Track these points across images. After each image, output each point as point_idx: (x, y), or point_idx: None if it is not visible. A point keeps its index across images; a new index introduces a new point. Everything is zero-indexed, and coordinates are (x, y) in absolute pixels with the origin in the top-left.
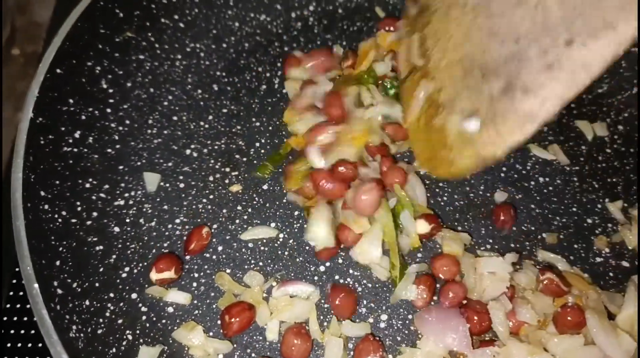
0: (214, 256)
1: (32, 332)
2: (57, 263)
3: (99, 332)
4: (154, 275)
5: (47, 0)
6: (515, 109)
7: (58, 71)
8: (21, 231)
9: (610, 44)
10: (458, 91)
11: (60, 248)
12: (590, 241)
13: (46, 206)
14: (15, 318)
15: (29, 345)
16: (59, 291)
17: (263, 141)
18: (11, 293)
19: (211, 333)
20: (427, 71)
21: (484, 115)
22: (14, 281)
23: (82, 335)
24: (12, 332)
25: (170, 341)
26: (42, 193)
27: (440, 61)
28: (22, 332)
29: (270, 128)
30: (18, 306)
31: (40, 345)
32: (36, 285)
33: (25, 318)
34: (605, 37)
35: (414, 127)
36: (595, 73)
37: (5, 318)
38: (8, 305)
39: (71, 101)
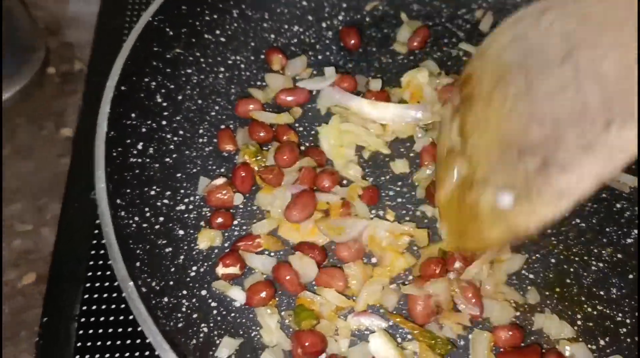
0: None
1: (110, 330)
2: (137, 264)
3: (180, 325)
4: (220, 270)
5: (77, 22)
6: (550, 186)
7: (122, 88)
8: (111, 237)
9: None
10: (493, 168)
11: (138, 251)
12: (620, 223)
13: (123, 213)
14: (92, 319)
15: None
16: (143, 289)
17: (307, 144)
18: (86, 296)
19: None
20: (465, 151)
21: (519, 191)
22: (88, 285)
23: (167, 328)
24: (90, 331)
25: (241, 332)
26: (119, 201)
27: (479, 143)
28: (100, 331)
29: None
30: (94, 307)
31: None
32: (131, 283)
33: (102, 319)
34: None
35: (446, 205)
36: (633, 153)
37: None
38: (84, 307)
39: (133, 115)
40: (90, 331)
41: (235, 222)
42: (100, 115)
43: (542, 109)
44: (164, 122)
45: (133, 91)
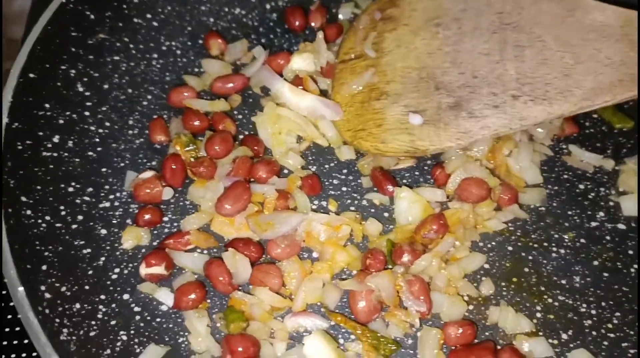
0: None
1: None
2: (44, 267)
3: (92, 334)
4: (143, 270)
5: (20, 18)
6: (457, 124)
7: (31, 75)
8: (3, 237)
9: (544, 112)
10: (408, 89)
11: (46, 253)
12: (583, 206)
13: (28, 212)
14: (7, 330)
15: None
16: (47, 295)
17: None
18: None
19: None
20: (379, 63)
21: (429, 116)
22: (4, 292)
23: (74, 337)
24: (4, 343)
25: (166, 339)
26: (24, 199)
27: (396, 62)
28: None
29: None
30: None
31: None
32: (21, 288)
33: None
34: (542, 106)
35: (345, 100)
36: (527, 125)
37: None
38: None
39: (47, 105)
40: (5, 342)
41: (166, 219)
42: (2, 105)
43: (466, 60)
44: (86, 113)
45: (46, 79)
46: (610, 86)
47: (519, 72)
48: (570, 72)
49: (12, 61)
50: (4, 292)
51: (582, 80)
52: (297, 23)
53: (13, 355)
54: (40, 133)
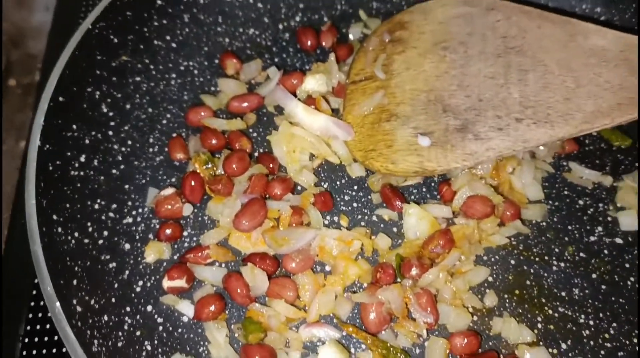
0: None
1: (54, 351)
2: (74, 282)
3: (119, 344)
4: (165, 283)
5: (40, 34)
6: (463, 145)
7: (60, 99)
8: (39, 255)
9: (546, 135)
10: (417, 111)
11: (76, 268)
12: (583, 221)
13: (59, 229)
14: (36, 340)
15: None
16: (79, 308)
17: (261, 150)
18: (30, 315)
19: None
20: (389, 85)
21: (437, 138)
22: (32, 303)
23: (104, 348)
24: (34, 352)
25: (188, 349)
26: (55, 217)
27: (405, 84)
28: (44, 352)
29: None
30: (38, 327)
31: None
32: (58, 304)
33: (46, 339)
34: (544, 129)
35: (356, 121)
36: (530, 147)
37: (26, 340)
38: (29, 327)
39: (74, 126)
40: (34, 352)
41: (185, 233)
42: (34, 128)
43: (472, 83)
44: (110, 133)
45: (74, 102)
46: (610, 110)
47: (522, 96)
48: (572, 96)
49: (31, 75)
50: (32, 304)
51: (582, 104)
52: (309, 43)
53: None
54: (69, 153)
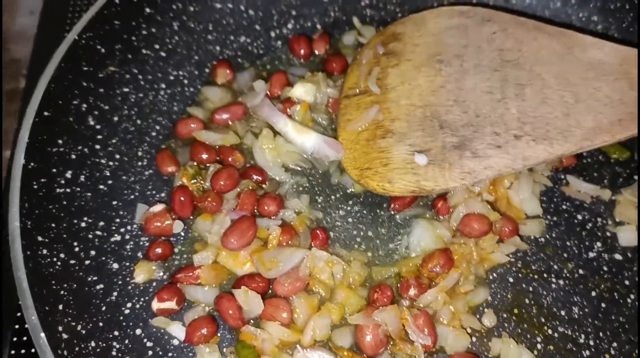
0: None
1: None
2: (60, 307)
3: None
4: (155, 305)
5: (24, 38)
6: (461, 164)
7: (45, 113)
8: (23, 282)
9: (545, 152)
10: (413, 128)
11: (62, 292)
12: (581, 236)
13: (45, 251)
14: None
15: None
16: (65, 336)
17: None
18: (15, 338)
19: None
20: (384, 100)
21: (434, 156)
22: (17, 326)
23: None
24: None
25: None
26: (40, 238)
27: (400, 99)
28: None
29: None
30: (23, 352)
31: None
32: (43, 335)
33: None
34: (543, 146)
35: (351, 137)
36: (529, 165)
37: None
38: (13, 352)
39: (60, 141)
40: None
41: (176, 250)
42: (18, 145)
43: (469, 98)
44: (97, 147)
45: (59, 116)
46: (610, 126)
47: (520, 111)
48: (570, 111)
49: (14, 81)
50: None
51: (582, 120)
52: (301, 51)
53: None
54: (54, 170)
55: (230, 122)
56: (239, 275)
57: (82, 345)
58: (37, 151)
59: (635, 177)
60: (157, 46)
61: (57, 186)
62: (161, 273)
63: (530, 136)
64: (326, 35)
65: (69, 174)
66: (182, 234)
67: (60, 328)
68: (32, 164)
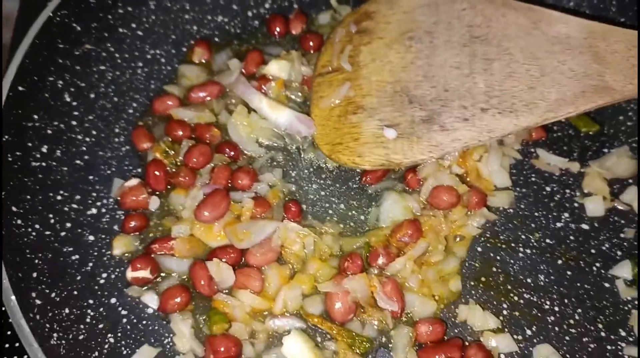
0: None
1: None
2: (34, 275)
3: (81, 337)
4: (129, 273)
5: (8, 22)
6: (429, 137)
7: (20, 88)
8: None
9: (510, 125)
10: (383, 103)
11: (36, 261)
12: (549, 207)
13: (19, 221)
14: None
15: None
16: (38, 301)
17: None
18: None
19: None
20: (356, 77)
21: (403, 130)
22: None
23: (63, 342)
24: None
25: (152, 341)
26: (14, 209)
27: (371, 75)
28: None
29: None
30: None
31: None
32: (13, 297)
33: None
34: (509, 119)
35: (323, 114)
36: (495, 137)
37: None
38: None
39: (36, 116)
40: None
41: (152, 223)
42: None
43: (438, 74)
44: (74, 123)
45: (35, 91)
46: (574, 98)
47: (487, 85)
48: (536, 84)
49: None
50: None
51: (546, 92)
52: (277, 30)
53: None
54: (30, 144)
55: (206, 100)
56: (213, 248)
57: (56, 311)
58: (12, 125)
59: (605, 150)
60: (133, 25)
61: (32, 159)
62: (137, 244)
63: (497, 109)
64: (303, 15)
65: (44, 149)
66: (158, 206)
67: (33, 295)
68: (6, 136)
